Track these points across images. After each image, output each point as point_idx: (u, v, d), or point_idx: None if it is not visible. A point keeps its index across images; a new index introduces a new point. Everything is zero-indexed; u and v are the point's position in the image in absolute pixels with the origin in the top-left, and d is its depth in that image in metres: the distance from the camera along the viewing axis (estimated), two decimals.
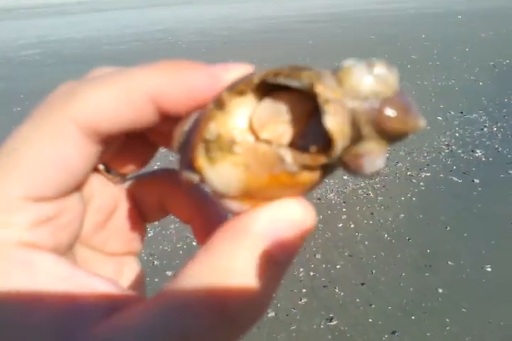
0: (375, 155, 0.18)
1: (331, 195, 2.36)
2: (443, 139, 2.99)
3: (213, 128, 0.19)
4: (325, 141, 0.18)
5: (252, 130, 0.19)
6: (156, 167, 0.26)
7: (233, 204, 0.20)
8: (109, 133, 0.21)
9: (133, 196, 0.27)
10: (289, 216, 0.19)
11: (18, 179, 0.19)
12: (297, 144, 0.19)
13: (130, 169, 0.26)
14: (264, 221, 0.19)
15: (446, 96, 3.83)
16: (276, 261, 0.19)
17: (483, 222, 2.05)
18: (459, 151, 2.79)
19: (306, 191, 0.20)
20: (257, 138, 0.19)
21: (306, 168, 0.19)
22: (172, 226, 2.16)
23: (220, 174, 0.19)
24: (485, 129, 3.10)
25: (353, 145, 0.18)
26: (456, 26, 7.23)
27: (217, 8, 13.56)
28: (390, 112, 0.17)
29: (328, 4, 12.13)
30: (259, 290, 0.18)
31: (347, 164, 0.18)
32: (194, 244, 2.03)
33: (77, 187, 0.22)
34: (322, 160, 0.18)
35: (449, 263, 1.81)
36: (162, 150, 0.27)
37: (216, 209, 0.27)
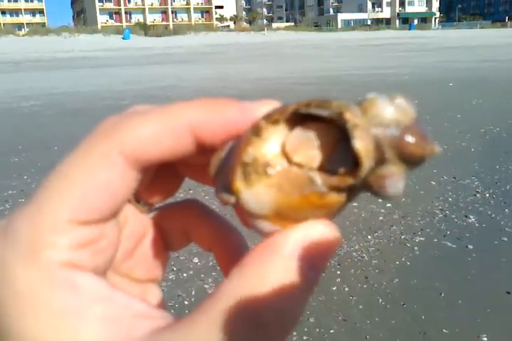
0: (396, 178, 0.19)
1: None
2: (436, 204, 3.02)
3: (251, 152, 0.20)
4: (351, 165, 0.20)
5: (285, 155, 0.21)
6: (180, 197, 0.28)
7: (266, 225, 0.21)
8: (151, 163, 0.22)
9: (158, 225, 0.28)
10: (317, 236, 0.21)
11: (67, 203, 0.21)
12: (325, 168, 0.21)
13: (157, 199, 0.28)
14: (295, 241, 0.20)
15: (439, 162, 3.90)
16: (307, 278, 0.20)
17: (478, 289, 2.04)
18: (453, 216, 2.81)
19: (333, 213, 0.22)
20: (290, 161, 0.21)
21: (334, 189, 0.20)
22: (164, 284, 2.13)
23: (255, 195, 0.20)
24: (478, 195, 3.14)
25: (377, 167, 0.20)
26: (447, 93, 7.49)
27: (218, 67, 14.01)
28: (409, 138, 0.19)
29: (323, 67, 12.57)
30: (291, 301, 0.20)
31: (371, 185, 0.20)
32: (186, 303, 1.99)
33: (116, 212, 0.23)
34: (350, 181, 0.20)
35: (444, 330, 1.78)
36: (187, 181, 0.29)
37: (237, 237, 0.29)
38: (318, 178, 0.20)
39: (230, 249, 0.29)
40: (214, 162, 0.23)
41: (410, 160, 0.20)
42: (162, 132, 0.22)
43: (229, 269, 0.21)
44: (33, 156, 4.31)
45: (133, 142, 0.21)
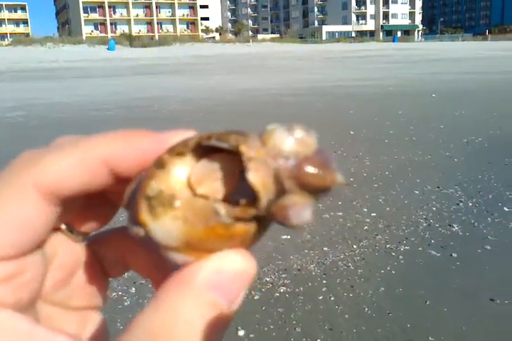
0: (299, 208, 0.19)
1: (311, 266, 2.36)
2: (420, 213, 3.05)
3: (154, 185, 0.21)
4: (254, 196, 0.20)
5: (190, 186, 0.21)
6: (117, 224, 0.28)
7: (178, 257, 0.21)
8: (68, 195, 0.23)
9: (95, 253, 0.28)
10: (230, 266, 0.21)
11: None
12: (230, 199, 0.21)
13: (92, 228, 0.28)
14: (207, 272, 0.21)
15: (423, 171, 3.95)
16: (220, 310, 0.20)
17: (463, 298, 2.05)
18: (437, 225, 2.84)
19: (247, 243, 0.21)
20: (195, 193, 0.21)
21: (240, 219, 0.20)
22: (149, 296, 2.12)
23: (162, 227, 0.21)
24: (461, 204, 3.18)
25: (279, 198, 0.20)
26: (431, 104, 7.59)
27: (204, 78, 14.04)
28: (308, 169, 0.19)
29: (308, 79, 12.67)
30: (206, 337, 0.20)
31: (274, 215, 0.20)
32: None
33: (38, 245, 0.23)
34: (251, 212, 0.20)
35: (430, 338, 1.79)
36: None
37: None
38: (222, 209, 0.20)
39: (167, 276, 0.29)
40: (126, 193, 0.23)
41: (313, 190, 0.20)
42: (75, 166, 0.22)
43: None
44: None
45: (47, 176, 0.22)
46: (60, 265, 0.26)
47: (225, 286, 0.21)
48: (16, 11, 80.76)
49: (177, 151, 0.21)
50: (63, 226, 0.26)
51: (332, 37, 74.54)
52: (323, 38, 73.52)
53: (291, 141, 0.20)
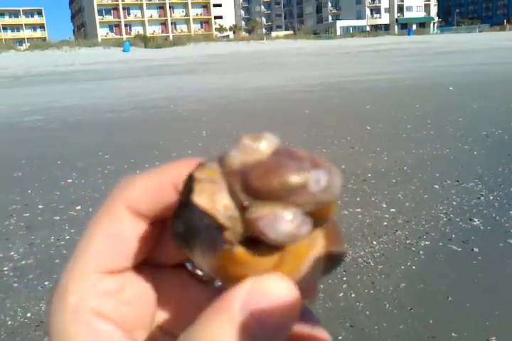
0: (269, 219, 0.18)
1: None
2: (441, 207, 3.01)
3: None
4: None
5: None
6: None
7: (220, 284, 0.22)
8: (150, 213, 0.24)
9: None
10: (265, 290, 0.20)
11: (89, 257, 0.24)
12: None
13: None
14: (241, 297, 0.20)
15: (442, 165, 3.90)
16: (259, 335, 0.19)
17: (485, 292, 2.03)
18: (457, 220, 2.81)
19: (281, 268, 0.20)
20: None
21: (232, 243, 0.19)
22: None
23: (197, 261, 0.21)
24: (481, 198, 3.13)
25: (244, 213, 0.19)
26: (448, 97, 7.50)
27: (218, 77, 14.06)
28: (249, 176, 0.19)
29: (323, 75, 12.60)
30: None
31: (253, 233, 0.19)
32: None
33: (135, 261, 0.25)
34: (228, 234, 0.19)
35: (453, 334, 1.77)
36: None
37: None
38: (219, 236, 0.20)
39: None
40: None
41: (273, 197, 0.18)
42: (150, 187, 0.24)
43: None
44: (37, 170, 4.32)
45: (132, 197, 0.24)
46: (178, 302, 0.26)
47: (261, 310, 0.20)
48: (32, 16, 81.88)
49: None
50: (189, 265, 0.27)
51: (346, 32, 74.07)
52: (338, 33, 73.09)
53: (237, 153, 0.20)
